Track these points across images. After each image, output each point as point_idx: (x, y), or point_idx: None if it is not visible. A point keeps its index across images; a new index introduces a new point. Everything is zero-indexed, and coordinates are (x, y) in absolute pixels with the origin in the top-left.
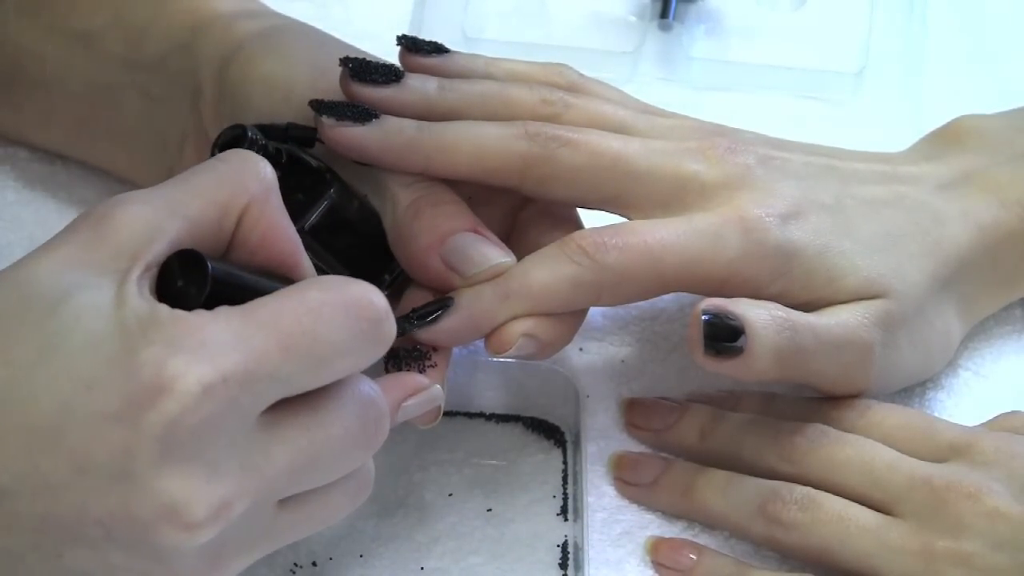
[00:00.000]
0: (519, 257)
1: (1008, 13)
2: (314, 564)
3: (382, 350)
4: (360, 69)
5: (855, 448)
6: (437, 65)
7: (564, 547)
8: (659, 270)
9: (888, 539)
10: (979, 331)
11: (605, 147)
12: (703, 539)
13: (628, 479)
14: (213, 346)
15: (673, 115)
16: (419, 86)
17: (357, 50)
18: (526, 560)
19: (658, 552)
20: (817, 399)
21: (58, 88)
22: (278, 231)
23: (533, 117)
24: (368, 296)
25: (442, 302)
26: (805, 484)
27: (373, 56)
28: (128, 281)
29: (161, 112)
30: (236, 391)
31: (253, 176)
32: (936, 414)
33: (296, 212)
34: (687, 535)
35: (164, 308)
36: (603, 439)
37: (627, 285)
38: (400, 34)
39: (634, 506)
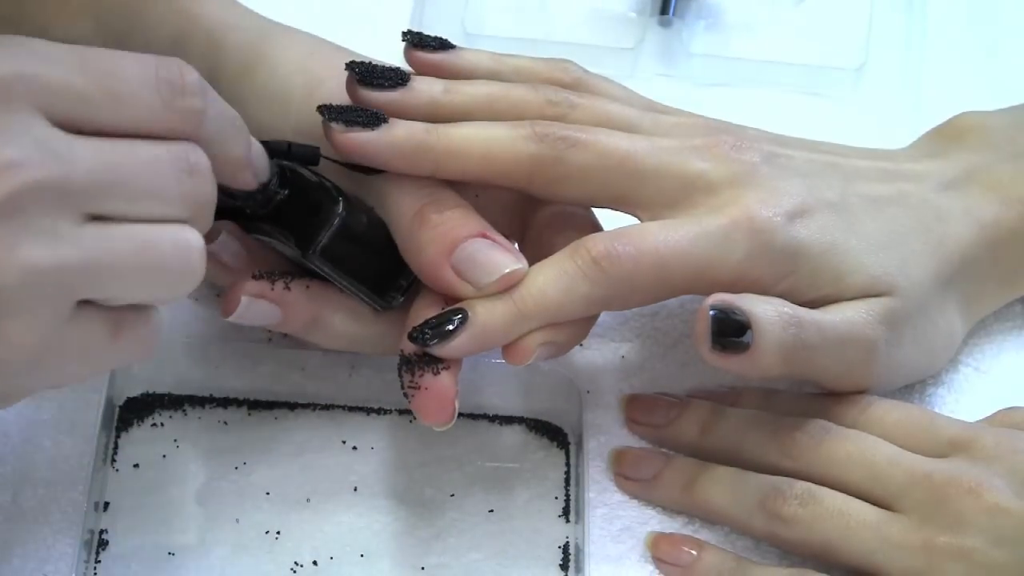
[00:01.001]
0: (535, 257)
1: (1008, 9)
2: (315, 563)
3: (181, 122)
4: (366, 74)
5: (856, 444)
6: (442, 61)
7: (565, 548)
8: (670, 277)
9: (889, 534)
10: (979, 327)
11: (613, 147)
12: (703, 535)
13: (629, 475)
14: (26, 52)
15: (677, 112)
16: (426, 89)
17: (348, 51)
18: (527, 557)
19: (658, 548)
20: (818, 395)
21: None
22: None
23: (539, 118)
24: (177, 65)
25: (455, 314)
26: (806, 480)
27: (369, 58)
28: None
29: None
30: (28, 87)
31: None
32: (937, 410)
33: (305, 235)
34: (687, 531)
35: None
36: (603, 435)
37: (638, 294)
38: (405, 30)
39: (635, 502)
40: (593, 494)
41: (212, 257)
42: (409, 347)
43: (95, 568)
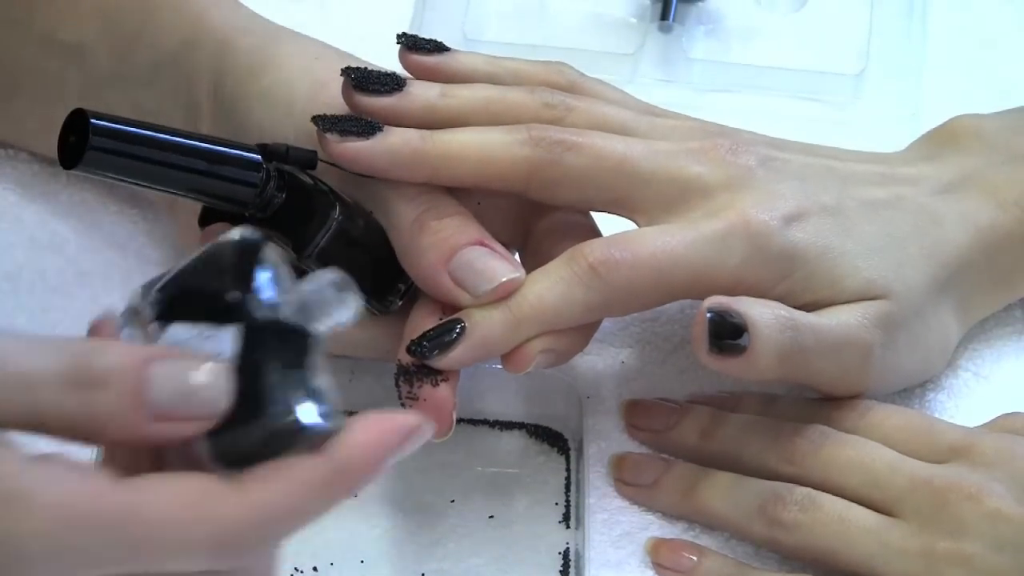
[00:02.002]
0: (536, 265)
1: (1008, 13)
2: (315, 569)
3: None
4: (362, 79)
5: (856, 449)
6: (437, 63)
7: (565, 554)
8: (668, 282)
9: (889, 540)
10: (979, 332)
11: (610, 150)
12: (704, 540)
13: (629, 480)
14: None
15: (673, 115)
16: (421, 93)
17: (353, 58)
18: (528, 562)
19: (658, 553)
20: (818, 400)
21: (56, 102)
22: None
23: (536, 121)
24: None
25: (452, 325)
26: (806, 485)
27: (372, 64)
28: None
29: None
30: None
31: None
32: (937, 415)
33: (302, 238)
34: (688, 536)
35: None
36: (603, 440)
37: (637, 300)
38: (400, 32)
39: (635, 507)
40: (593, 499)
41: None
42: (407, 358)
43: None
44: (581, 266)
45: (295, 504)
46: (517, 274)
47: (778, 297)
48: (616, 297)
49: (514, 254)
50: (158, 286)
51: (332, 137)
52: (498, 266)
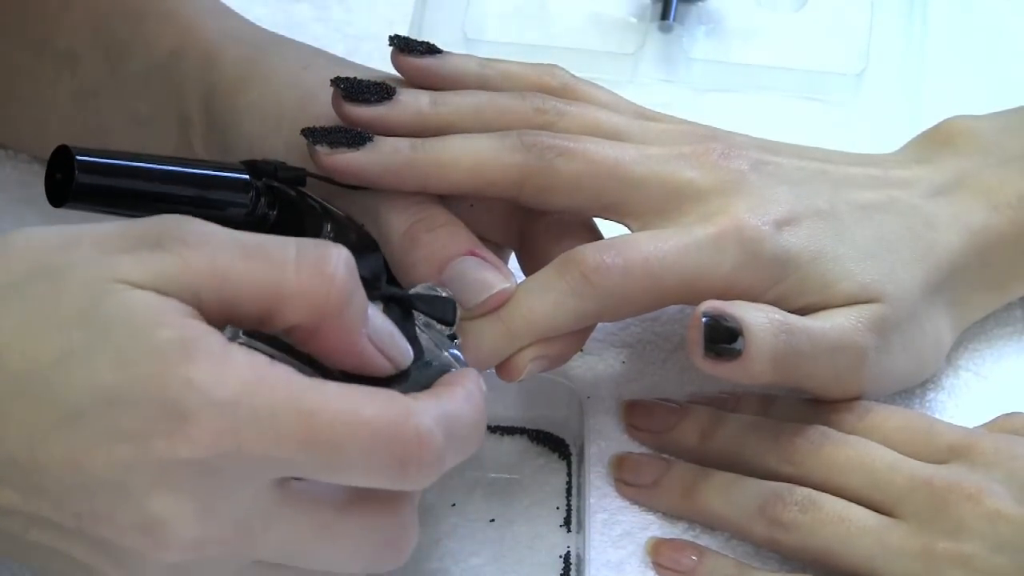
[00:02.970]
0: (532, 265)
1: (1008, 13)
2: None
3: (409, 486)
4: (351, 89)
5: (856, 449)
6: (429, 66)
7: (566, 558)
8: (660, 288)
9: (889, 540)
10: (979, 332)
11: (602, 155)
12: (704, 540)
13: (629, 480)
14: (242, 408)
15: (665, 118)
16: (412, 101)
17: (343, 62)
18: (527, 562)
19: (659, 553)
20: (817, 401)
21: (51, 110)
22: (342, 348)
23: (527, 126)
24: (415, 437)
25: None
26: (806, 485)
27: (365, 69)
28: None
29: (149, 135)
30: (245, 460)
31: (318, 295)
32: (937, 415)
33: None
34: (688, 536)
35: (213, 341)
36: (604, 440)
37: (629, 306)
38: (392, 35)
39: (635, 507)
40: (593, 500)
41: None
42: None
43: None
44: (573, 275)
45: (469, 409)
46: (508, 284)
47: (771, 302)
48: (608, 304)
49: (509, 255)
50: None
51: (322, 149)
52: (489, 276)
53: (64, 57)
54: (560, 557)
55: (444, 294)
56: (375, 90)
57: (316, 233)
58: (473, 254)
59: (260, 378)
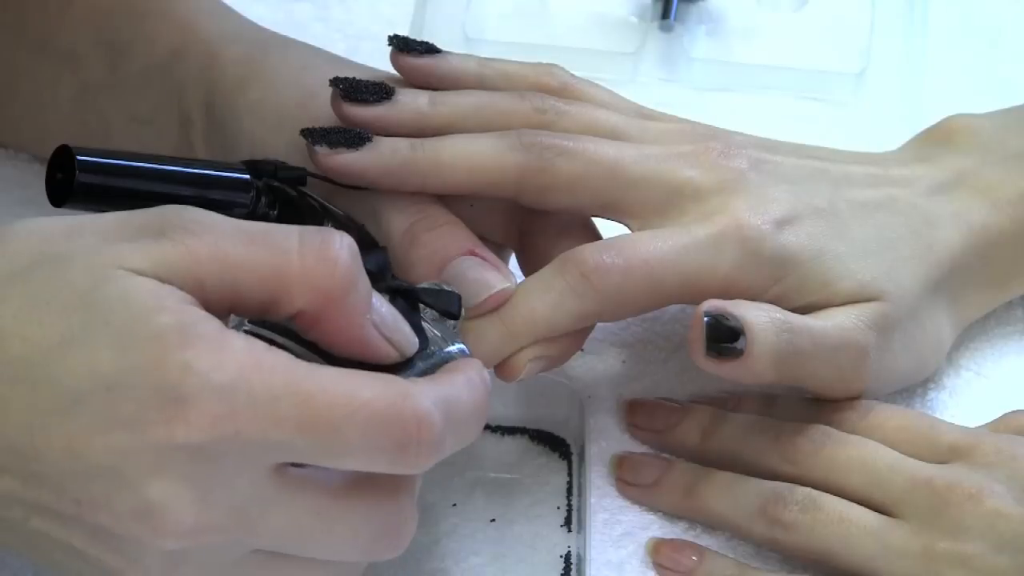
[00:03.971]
0: (532, 264)
1: (1008, 14)
2: None
3: (408, 469)
4: (350, 89)
5: (857, 449)
6: (428, 65)
7: (567, 558)
8: (660, 287)
9: (889, 540)
10: (981, 331)
11: (601, 155)
12: (704, 540)
13: (629, 480)
14: (240, 392)
15: (664, 117)
16: (411, 102)
17: (343, 62)
18: (528, 562)
19: (659, 553)
20: (818, 401)
21: (52, 109)
22: (347, 333)
23: (527, 126)
24: (414, 419)
25: None
26: (806, 485)
27: (365, 68)
28: (174, 292)
29: (149, 134)
30: (243, 444)
31: (322, 279)
32: (938, 414)
33: None
34: (688, 536)
35: (211, 327)
36: (604, 440)
37: (629, 306)
38: (391, 34)
39: (635, 507)
40: (594, 499)
41: None
42: None
43: None
44: (573, 275)
45: (470, 393)
46: (508, 284)
47: (771, 301)
48: (608, 304)
49: (509, 255)
50: None
51: (322, 149)
52: (489, 276)
53: (65, 57)
54: (561, 557)
55: (449, 288)
56: (374, 90)
57: None
58: (473, 254)
59: (258, 362)
